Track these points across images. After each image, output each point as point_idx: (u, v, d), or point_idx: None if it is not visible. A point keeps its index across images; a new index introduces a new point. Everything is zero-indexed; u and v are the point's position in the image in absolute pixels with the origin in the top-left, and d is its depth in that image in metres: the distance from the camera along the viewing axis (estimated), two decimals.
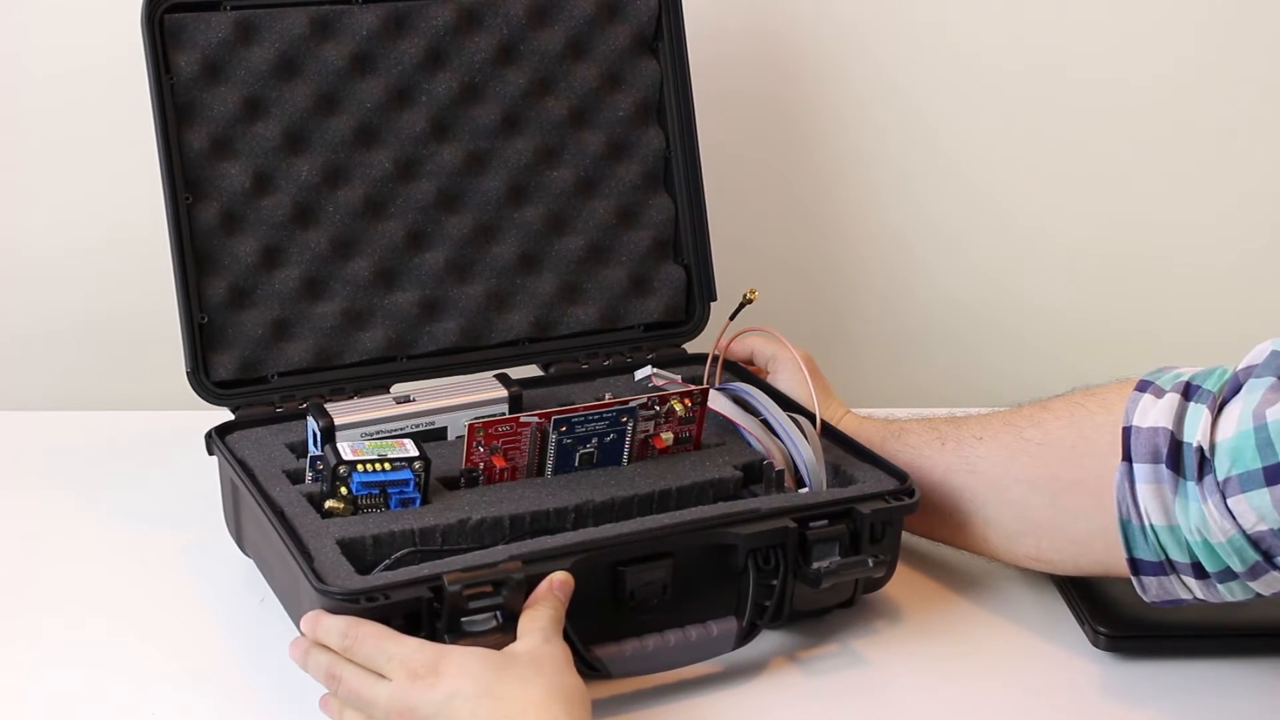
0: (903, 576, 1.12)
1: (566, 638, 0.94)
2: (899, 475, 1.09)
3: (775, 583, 1.02)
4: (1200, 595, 0.96)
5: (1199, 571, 0.94)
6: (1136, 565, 0.97)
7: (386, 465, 1.04)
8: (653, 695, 1.00)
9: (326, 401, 1.13)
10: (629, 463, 1.11)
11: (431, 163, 1.23)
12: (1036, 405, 1.06)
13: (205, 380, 1.16)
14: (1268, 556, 0.90)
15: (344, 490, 1.03)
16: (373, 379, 1.20)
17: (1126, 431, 0.94)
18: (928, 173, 1.52)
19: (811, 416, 1.15)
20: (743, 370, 1.26)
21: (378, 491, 1.04)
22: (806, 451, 1.09)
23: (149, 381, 1.44)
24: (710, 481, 1.10)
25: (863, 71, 1.50)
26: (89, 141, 1.41)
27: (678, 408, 1.12)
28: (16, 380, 1.46)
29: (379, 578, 0.96)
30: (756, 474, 1.11)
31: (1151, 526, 0.94)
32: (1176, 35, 1.49)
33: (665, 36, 1.29)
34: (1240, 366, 0.93)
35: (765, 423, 1.13)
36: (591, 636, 0.98)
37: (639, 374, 1.21)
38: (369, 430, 1.10)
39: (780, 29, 1.47)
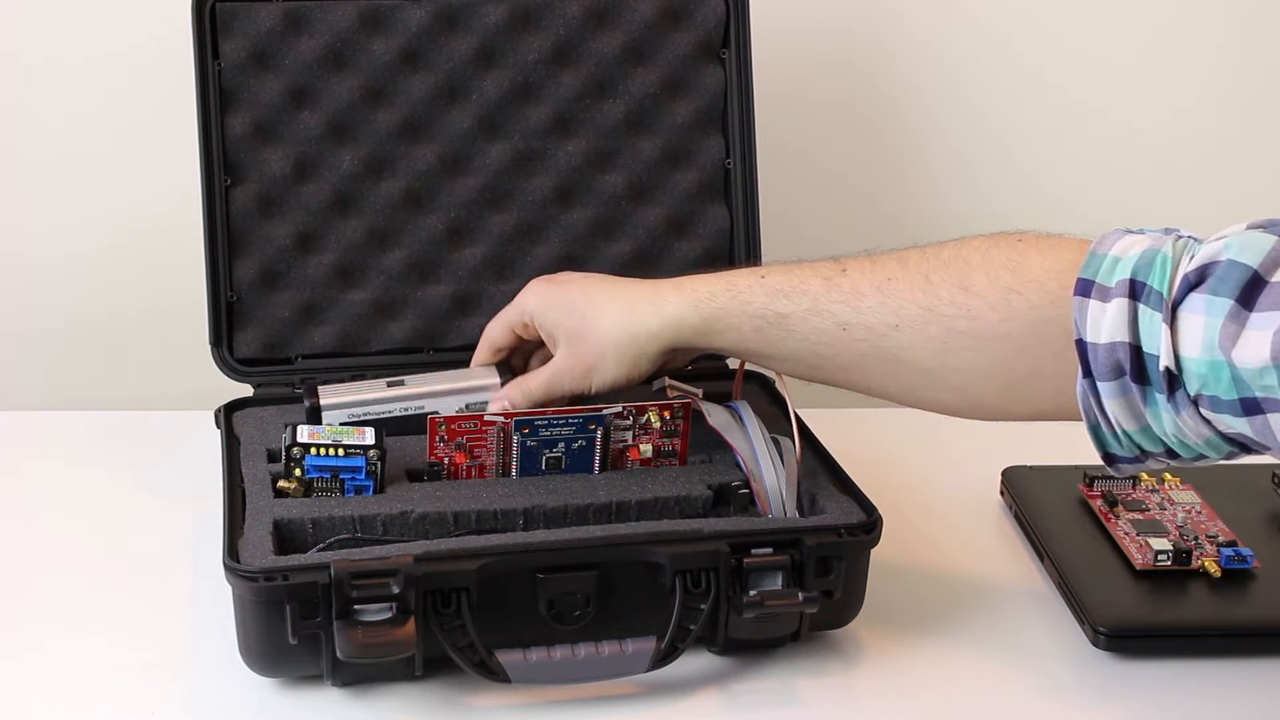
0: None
1: (470, 642, 0.95)
2: (867, 509, 1.04)
3: (704, 607, 0.99)
4: (1174, 465, 0.93)
5: (1172, 456, 0.91)
6: (1111, 459, 0.92)
7: (340, 451, 1.05)
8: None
9: (322, 383, 1.15)
10: (601, 472, 1.10)
11: (478, 159, 1.24)
12: (954, 286, 0.94)
13: (228, 356, 1.20)
14: (1243, 447, 0.87)
15: (298, 472, 1.05)
16: (397, 369, 1.21)
17: (1081, 344, 0.88)
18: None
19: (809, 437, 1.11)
20: (771, 386, 1.22)
21: (329, 476, 1.05)
22: (771, 476, 1.06)
23: (152, 381, 1.47)
24: (677, 498, 1.07)
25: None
26: (87, 143, 1.42)
27: (655, 420, 1.10)
28: (16, 380, 1.47)
29: (287, 559, 0.97)
30: (730, 494, 1.08)
31: (1124, 432, 0.89)
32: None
33: (732, 44, 1.26)
34: (1190, 266, 0.84)
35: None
36: (500, 641, 0.97)
37: (655, 384, 1.18)
38: (356, 412, 1.12)
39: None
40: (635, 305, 1.04)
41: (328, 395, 1.12)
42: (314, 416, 1.11)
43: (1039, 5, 1.50)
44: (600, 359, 1.05)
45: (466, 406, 1.12)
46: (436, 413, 1.11)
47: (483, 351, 1.14)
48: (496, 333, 1.13)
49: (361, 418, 1.12)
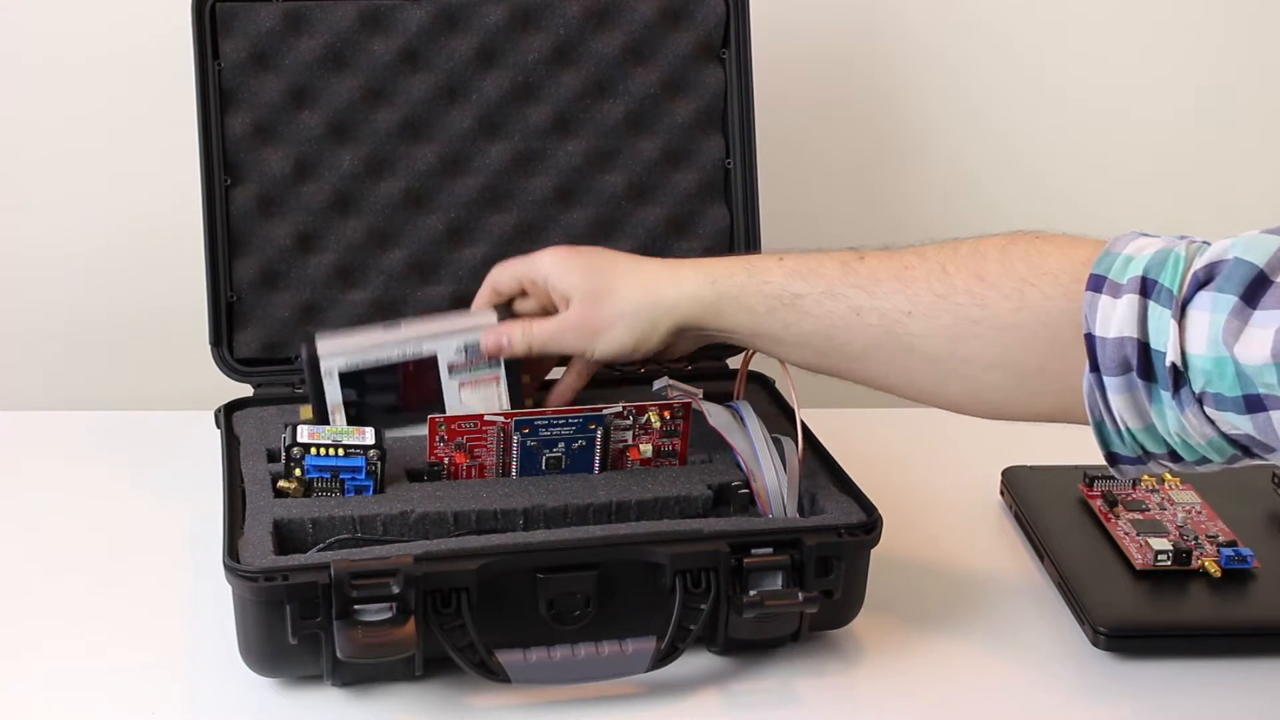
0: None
1: (470, 642, 0.95)
2: (867, 509, 1.04)
3: (704, 607, 0.99)
4: (1176, 469, 0.93)
5: (1175, 458, 0.91)
6: (1115, 458, 0.93)
7: (340, 450, 1.05)
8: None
9: (320, 335, 1.12)
10: (601, 472, 1.10)
11: (478, 160, 1.24)
12: (970, 276, 0.95)
13: (228, 356, 1.20)
14: (1246, 451, 0.87)
15: (298, 472, 1.05)
16: None
17: (1090, 338, 0.89)
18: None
19: (808, 436, 1.11)
20: (772, 386, 1.22)
21: (329, 475, 1.05)
22: (771, 476, 1.06)
23: (152, 381, 1.47)
24: (677, 498, 1.07)
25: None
26: (87, 143, 1.42)
27: (655, 420, 1.10)
28: (16, 380, 1.47)
29: (286, 559, 0.97)
30: (730, 494, 1.08)
31: (1128, 430, 0.90)
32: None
33: (732, 44, 1.26)
34: (1200, 264, 0.85)
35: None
36: (500, 641, 0.97)
37: (656, 384, 1.18)
38: (355, 359, 1.10)
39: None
40: (655, 276, 1.05)
41: (325, 345, 1.10)
42: (312, 366, 1.09)
43: (1039, 5, 1.50)
44: (612, 324, 1.05)
45: (464, 346, 1.11)
46: (435, 354, 1.11)
47: (484, 295, 1.13)
48: (503, 280, 1.12)
49: (360, 365, 1.10)
